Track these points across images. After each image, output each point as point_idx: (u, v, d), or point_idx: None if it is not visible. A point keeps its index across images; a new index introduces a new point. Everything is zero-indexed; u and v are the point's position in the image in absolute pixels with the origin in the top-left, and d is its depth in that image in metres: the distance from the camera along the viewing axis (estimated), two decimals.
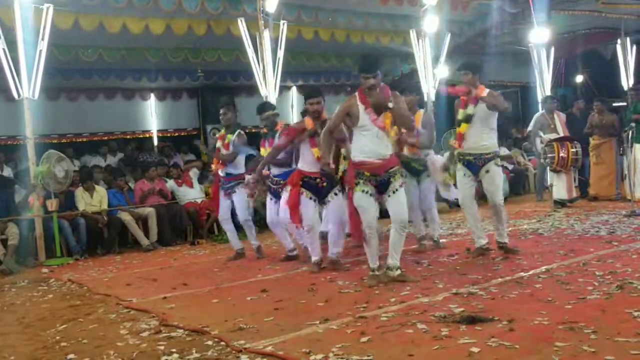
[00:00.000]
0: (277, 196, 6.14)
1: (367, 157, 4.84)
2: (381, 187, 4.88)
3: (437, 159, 6.16)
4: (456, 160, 5.72)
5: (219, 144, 6.76)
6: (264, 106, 6.60)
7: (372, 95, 4.84)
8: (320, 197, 5.68)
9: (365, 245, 5.00)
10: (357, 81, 14.72)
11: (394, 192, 4.87)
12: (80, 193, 8.48)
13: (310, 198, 5.61)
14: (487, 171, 5.61)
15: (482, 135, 5.61)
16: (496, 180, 5.63)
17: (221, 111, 6.76)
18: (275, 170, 6.21)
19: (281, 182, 6.08)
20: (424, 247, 6.32)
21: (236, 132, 6.63)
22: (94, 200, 8.49)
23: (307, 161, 5.63)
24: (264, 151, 6.33)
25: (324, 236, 6.22)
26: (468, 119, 5.59)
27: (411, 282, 4.83)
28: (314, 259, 5.73)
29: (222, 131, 6.85)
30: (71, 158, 10.94)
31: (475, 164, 5.65)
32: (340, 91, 14.08)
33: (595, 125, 9.69)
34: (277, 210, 6.11)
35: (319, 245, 5.79)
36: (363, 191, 4.84)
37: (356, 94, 4.93)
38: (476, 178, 5.71)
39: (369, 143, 4.84)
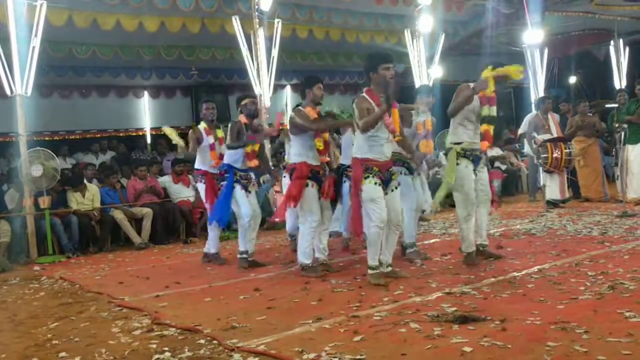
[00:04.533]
0: (246, 190, 6.09)
1: (375, 156, 4.84)
2: (384, 184, 4.88)
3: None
4: (459, 156, 5.33)
5: (210, 139, 6.47)
6: (245, 95, 6.35)
7: (380, 93, 4.82)
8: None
9: (368, 242, 4.89)
10: (351, 80, 14.81)
11: (392, 191, 4.93)
12: (71, 193, 8.44)
13: (318, 191, 5.45)
14: (483, 168, 5.50)
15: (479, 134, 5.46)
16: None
17: (211, 106, 6.63)
18: (243, 165, 6.07)
19: (249, 176, 6.13)
20: (417, 253, 5.99)
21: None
22: (85, 199, 8.45)
23: (311, 154, 5.46)
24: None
25: (331, 235, 6.24)
26: (492, 121, 5.38)
27: (402, 277, 4.94)
28: (307, 262, 5.44)
29: (205, 126, 6.51)
30: (64, 156, 10.94)
31: (479, 159, 5.44)
32: (335, 90, 14.09)
33: (577, 126, 9.74)
34: (250, 203, 6.06)
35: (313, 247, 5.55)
36: (375, 183, 4.78)
37: (364, 94, 4.87)
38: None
39: (380, 144, 4.85)
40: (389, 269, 5.01)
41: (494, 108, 5.38)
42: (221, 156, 6.41)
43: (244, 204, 6.02)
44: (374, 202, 4.77)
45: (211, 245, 6.59)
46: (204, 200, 6.62)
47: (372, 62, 4.92)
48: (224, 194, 6.04)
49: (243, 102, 6.19)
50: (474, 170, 5.38)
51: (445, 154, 5.61)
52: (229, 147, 6.09)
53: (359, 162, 4.86)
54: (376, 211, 4.77)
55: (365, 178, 4.80)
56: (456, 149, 5.33)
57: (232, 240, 7.09)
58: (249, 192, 6.11)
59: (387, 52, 5.05)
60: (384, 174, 4.87)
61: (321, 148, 5.47)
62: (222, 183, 6.15)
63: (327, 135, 5.56)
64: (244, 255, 6.11)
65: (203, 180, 6.54)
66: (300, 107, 5.53)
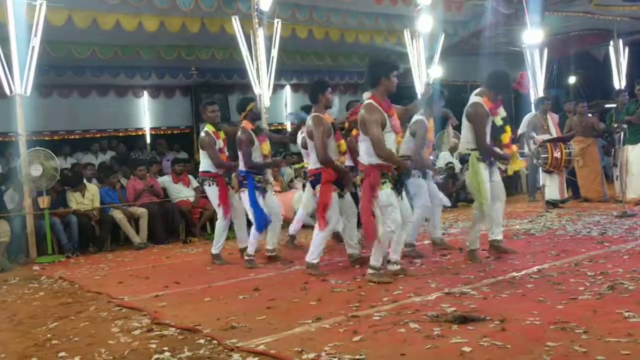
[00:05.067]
0: (264, 193, 6.20)
1: (387, 161, 4.91)
2: (395, 187, 5.00)
3: (443, 156, 6.23)
4: (478, 161, 5.45)
5: (220, 142, 6.45)
6: (248, 100, 6.39)
7: (385, 98, 4.95)
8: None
9: (377, 243, 4.94)
10: (351, 80, 14.77)
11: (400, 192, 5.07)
12: (71, 193, 8.43)
13: (340, 196, 5.51)
14: (493, 167, 5.61)
15: None
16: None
17: (216, 108, 6.51)
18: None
19: (266, 178, 6.24)
20: (415, 252, 6.14)
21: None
22: (85, 199, 8.44)
23: (334, 158, 5.51)
24: (265, 146, 6.23)
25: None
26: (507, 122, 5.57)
27: (411, 275, 5.06)
28: (315, 261, 5.51)
29: (213, 129, 6.44)
30: (65, 156, 10.94)
31: (493, 163, 5.59)
32: (334, 90, 14.05)
33: (576, 127, 9.76)
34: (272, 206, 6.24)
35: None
36: (392, 188, 4.90)
37: (371, 100, 4.89)
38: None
39: (391, 147, 4.93)
40: (398, 266, 5.11)
41: (502, 110, 5.54)
42: (226, 158, 6.55)
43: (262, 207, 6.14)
44: (392, 207, 4.88)
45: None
46: (215, 203, 6.50)
47: (385, 68, 4.97)
48: (252, 201, 6.08)
49: (249, 108, 6.22)
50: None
51: (462, 161, 5.80)
52: (256, 166, 6.17)
53: (376, 168, 4.88)
54: (392, 216, 4.87)
55: (383, 183, 4.87)
56: (475, 155, 5.45)
57: (232, 241, 7.07)
58: (266, 192, 6.21)
59: (393, 60, 5.18)
60: (394, 176, 4.97)
61: (344, 150, 5.60)
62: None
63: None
64: (252, 257, 6.19)
65: (215, 183, 6.43)
66: (319, 114, 5.44)
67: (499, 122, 5.49)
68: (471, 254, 5.59)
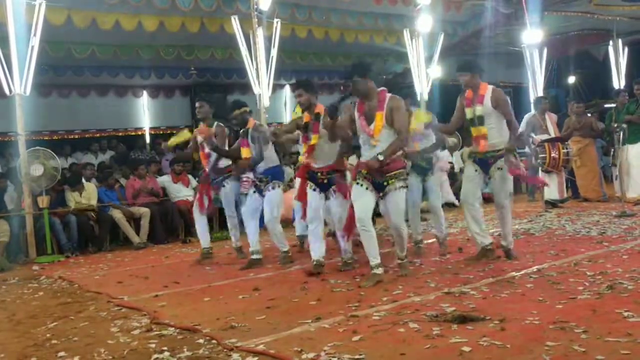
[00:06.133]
0: (260, 192, 6.11)
1: (364, 160, 4.97)
2: (377, 187, 4.94)
3: (443, 156, 6.24)
4: (466, 158, 5.62)
5: (200, 138, 6.52)
6: (233, 104, 6.33)
7: (365, 100, 4.96)
8: (323, 191, 5.57)
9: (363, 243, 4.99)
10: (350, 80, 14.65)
11: (385, 196, 4.94)
12: (70, 193, 8.43)
13: (314, 190, 5.54)
14: (499, 168, 5.38)
15: (492, 133, 5.39)
16: (506, 179, 5.43)
17: (199, 104, 6.68)
18: (259, 168, 6.13)
19: (264, 179, 6.06)
20: (421, 250, 6.19)
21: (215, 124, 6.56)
22: (83, 198, 8.44)
23: (309, 155, 5.55)
24: (245, 151, 6.15)
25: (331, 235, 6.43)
26: (481, 121, 5.38)
27: (404, 275, 5.06)
28: (313, 258, 5.54)
29: (201, 125, 6.67)
30: (66, 155, 10.95)
31: (486, 162, 5.43)
32: (334, 90, 14.10)
33: (573, 127, 9.77)
34: (258, 204, 6.14)
35: (323, 244, 5.63)
36: (359, 184, 4.92)
37: (357, 100, 5.05)
38: (486, 176, 5.49)
39: (365, 149, 4.98)
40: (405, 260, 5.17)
41: (479, 108, 5.38)
42: (205, 155, 6.59)
43: (248, 200, 6.21)
44: (356, 203, 4.95)
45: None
46: None
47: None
48: None
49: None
50: (487, 172, 5.45)
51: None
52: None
53: (357, 165, 5.06)
54: (355, 211, 4.92)
55: (354, 180, 4.99)
56: (464, 152, 5.49)
57: (229, 240, 7.08)
58: (263, 195, 6.06)
59: (353, 66, 4.99)
60: (374, 178, 4.89)
61: (303, 150, 5.68)
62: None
63: (315, 137, 5.47)
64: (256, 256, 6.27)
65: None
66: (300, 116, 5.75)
67: (467, 114, 5.46)
68: (481, 252, 5.53)
